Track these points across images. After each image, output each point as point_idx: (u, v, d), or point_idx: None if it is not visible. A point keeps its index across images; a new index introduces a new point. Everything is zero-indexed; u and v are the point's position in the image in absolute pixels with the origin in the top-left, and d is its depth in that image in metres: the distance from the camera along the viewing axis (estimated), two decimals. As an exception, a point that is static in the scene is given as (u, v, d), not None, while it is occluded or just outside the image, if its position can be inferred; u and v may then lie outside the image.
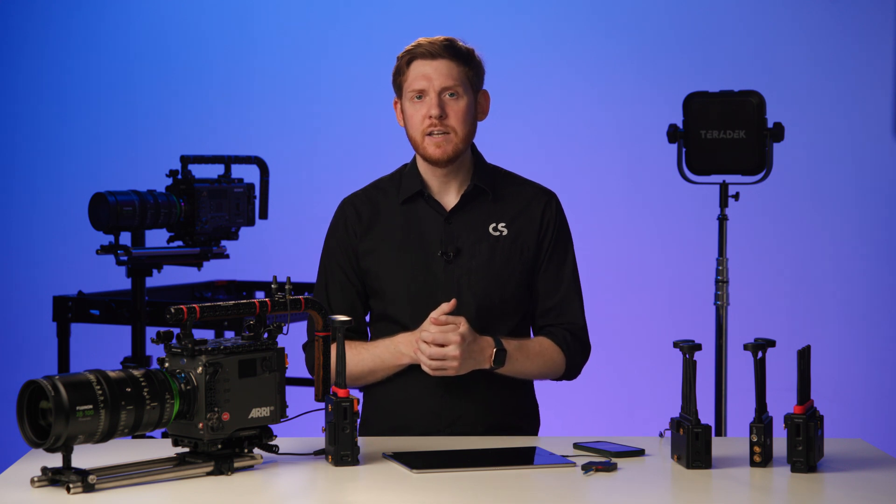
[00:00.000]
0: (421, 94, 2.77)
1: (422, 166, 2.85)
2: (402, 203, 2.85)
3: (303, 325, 2.91)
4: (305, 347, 2.86)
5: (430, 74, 2.76)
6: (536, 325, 2.90)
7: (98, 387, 2.14)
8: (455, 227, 2.83)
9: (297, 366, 2.81)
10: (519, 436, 2.81)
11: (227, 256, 4.15)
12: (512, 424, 2.84)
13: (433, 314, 2.68)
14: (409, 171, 2.87)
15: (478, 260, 2.81)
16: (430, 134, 2.76)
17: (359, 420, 2.41)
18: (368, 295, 2.87)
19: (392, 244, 2.83)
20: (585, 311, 2.91)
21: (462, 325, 2.67)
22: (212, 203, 4.05)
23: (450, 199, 2.85)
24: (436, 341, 2.66)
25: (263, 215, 4.28)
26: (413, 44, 2.81)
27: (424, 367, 2.69)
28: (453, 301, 2.69)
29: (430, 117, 2.75)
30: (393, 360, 2.76)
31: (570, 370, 2.86)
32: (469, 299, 2.79)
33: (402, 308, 2.81)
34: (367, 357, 2.78)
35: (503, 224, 2.84)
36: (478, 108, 2.83)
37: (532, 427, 2.90)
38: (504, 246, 2.83)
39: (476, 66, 2.82)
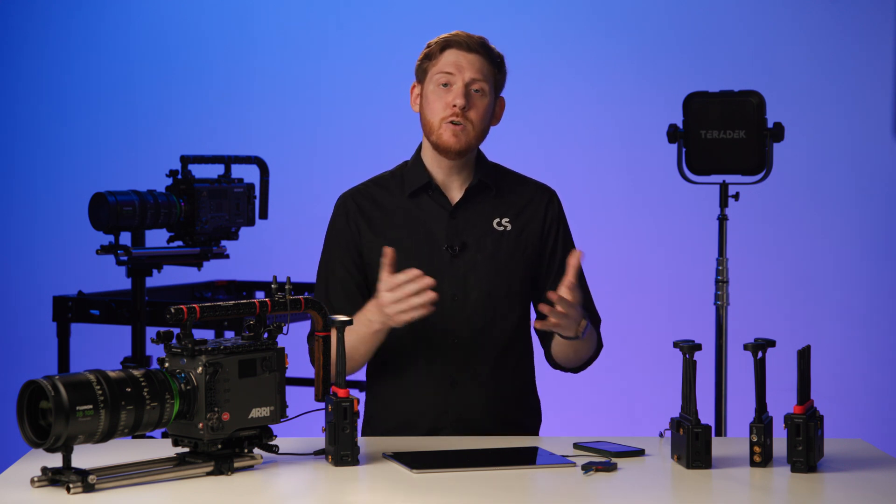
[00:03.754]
0: (448, 82, 2.77)
1: (428, 159, 2.85)
2: (408, 197, 2.84)
3: (302, 324, 2.91)
4: (310, 339, 2.85)
5: (462, 64, 2.77)
6: None
7: (98, 387, 2.14)
8: (460, 221, 2.83)
9: (297, 366, 2.81)
10: (522, 433, 2.82)
11: (227, 256, 4.15)
12: (516, 420, 2.85)
13: (385, 263, 2.60)
14: (412, 165, 2.87)
15: (483, 254, 2.82)
16: (449, 122, 2.76)
17: (360, 420, 2.40)
18: (370, 289, 2.86)
19: (396, 238, 2.82)
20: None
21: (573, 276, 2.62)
22: (212, 203, 4.05)
23: (453, 193, 2.86)
24: (404, 280, 2.58)
25: (263, 215, 4.28)
26: (450, 33, 2.82)
27: (403, 317, 2.60)
28: (389, 250, 2.61)
29: (455, 106, 2.75)
30: (365, 329, 2.68)
31: (594, 358, 2.89)
32: (475, 293, 2.80)
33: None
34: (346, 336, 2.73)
35: (507, 219, 2.85)
36: (493, 112, 2.84)
37: (535, 423, 2.91)
38: (509, 240, 2.84)
39: (503, 72, 2.86)
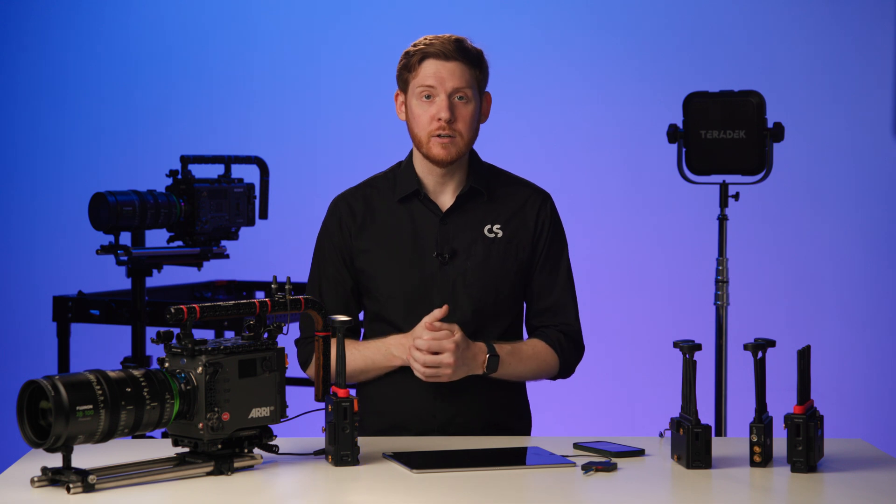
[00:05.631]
0: (430, 94, 2.76)
1: (419, 165, 2.84)
2: (398, 202, 2.84)
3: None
4: (298, 343, 2.86)
5: (442, 75, 2.75)
6: (530, 326, 2.90)
7: (98, 387, 2.14)
8: (450, 227, 2.83)
9: (296, 366, 2.82)
10: (513, 435, 2.81)
11: (227, 256, 4.15)
12: (505, 424, 2.84)
13: (426, 319, 2.68)
14: (404, 170, 2.87)
15: (473, 261, 2.81)
16: (437, 135, 2.76)
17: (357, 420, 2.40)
18: (362, 294, 2.86)
19: (387, 244, 2.83)
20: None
21: (456, 332, 2.68)
22: (212, 203, 4.05)
23: (445, 199, 2.85)
24: (430, 349, 2.66)
25: (263, 215, 4.28)
26: (425, 41, 2.78)
27: (417, 374, 2.69)
28: (445, 307, 2.69)
29: (440, 119, 2.75)
30: (384, 362, 2.77)
31: (564, 370, 2.87)
32: (464, 301, 2.79)
33: (397, 309, 2.80)
34: (357, 357, 2.77)
35: (498, 225, 2.84)
36: (480, 113, 2.83)
37: (524, 426, 2.91)
38: (499, 247, 2.83)
39: (484, 69, 2.82)
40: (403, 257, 2.81)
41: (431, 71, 2.75)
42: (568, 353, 2.86)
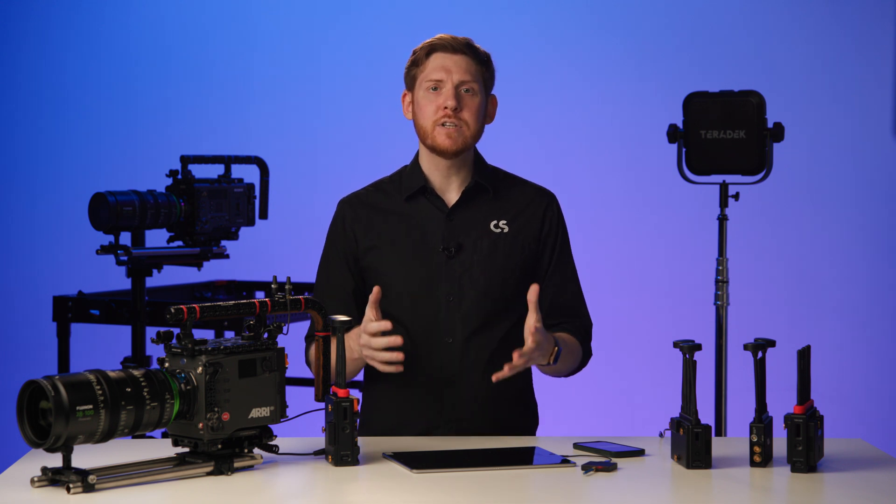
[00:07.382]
0: (437, 86, 2.78)
1: (425, 161, 2.85)
2: (405, 200, 2.85)
3: (303, 324, 2.91)
4: (307, 339, 2.86)
5: (449, 67, 2.77)
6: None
7: (98, 387, 2.14)
8: (456, 223, 2.84)
9: (297, 366, 2.82)
10: (518, 434, 2.81)
11: (227, 256, 4.15)
12: (512, 422, 2.84)
13: (371, 299, 2.63)
14: (410, 170, 2.88)
15: (479, 255, 2.82)
16: (442, 124, 2.77)
17: (358, 420, 2.40)
18: (368, 294, 2.86)
19: (393, 241, 2.83)
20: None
21: (536, 320, 2.63)
22: (212, 203, 4.05)
23: (451, 195, 2.86)
24: (379, 330, 2.59)
25: (263, 215, 4.28)
26: (434, 38, 2.82)
27: (374, 364, 2.63)
28: (376, 288, 2.64)
29: (446, 108, 2.76)
30: (348, 353, 2.69)
31: (581, 366, 2.88)
32: (471, 295, 2.80)
33: (404, 305, 2.81)
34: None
35: (504, 221, 2.85)
36: (486, 111, 2.84)
37: (531, 425, 2.91)
38: (505, 242, 2.84)
39: (491, 70, 2.85)
40: (409, 253, 2.82)
41: (439, 63, 2.78)
42: (587, 349, 2.88)
